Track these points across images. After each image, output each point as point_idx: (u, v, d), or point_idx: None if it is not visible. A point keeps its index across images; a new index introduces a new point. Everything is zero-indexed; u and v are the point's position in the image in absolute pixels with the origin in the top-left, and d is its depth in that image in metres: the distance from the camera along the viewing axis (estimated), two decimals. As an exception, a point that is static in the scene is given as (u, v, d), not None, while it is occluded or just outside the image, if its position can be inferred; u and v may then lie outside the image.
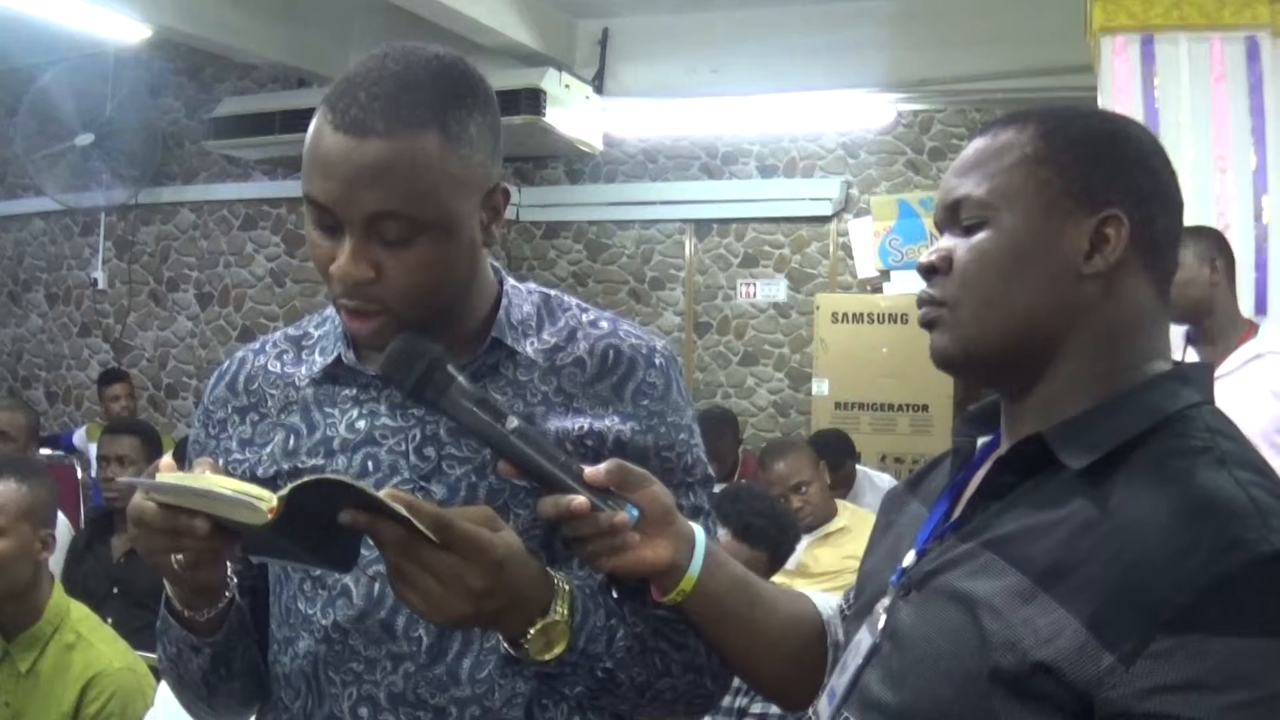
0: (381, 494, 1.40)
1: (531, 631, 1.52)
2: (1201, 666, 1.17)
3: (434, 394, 1.54)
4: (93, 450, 7.13)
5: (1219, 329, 4.52)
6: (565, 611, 1.54)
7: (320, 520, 1.42)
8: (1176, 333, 4.58)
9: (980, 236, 1.43)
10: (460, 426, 1.58)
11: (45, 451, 7.03)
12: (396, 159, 1.51)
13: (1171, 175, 1.46)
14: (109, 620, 3.71)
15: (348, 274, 1.54)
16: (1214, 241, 4.51)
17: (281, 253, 9.47)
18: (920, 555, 1.47)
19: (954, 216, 1.47)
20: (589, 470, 1.54)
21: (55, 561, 4.15)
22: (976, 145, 1.48)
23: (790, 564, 4.45)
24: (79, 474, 6.83)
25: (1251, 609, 1.18)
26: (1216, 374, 4.38)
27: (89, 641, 3.33)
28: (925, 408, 7.74)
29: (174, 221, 9.83)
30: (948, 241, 1.47)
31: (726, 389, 9.14)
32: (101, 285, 10.01)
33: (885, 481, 6.33)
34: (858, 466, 6.45)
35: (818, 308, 8.26)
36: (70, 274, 10.22)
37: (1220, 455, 1.31)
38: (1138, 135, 1.47)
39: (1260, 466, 1.32)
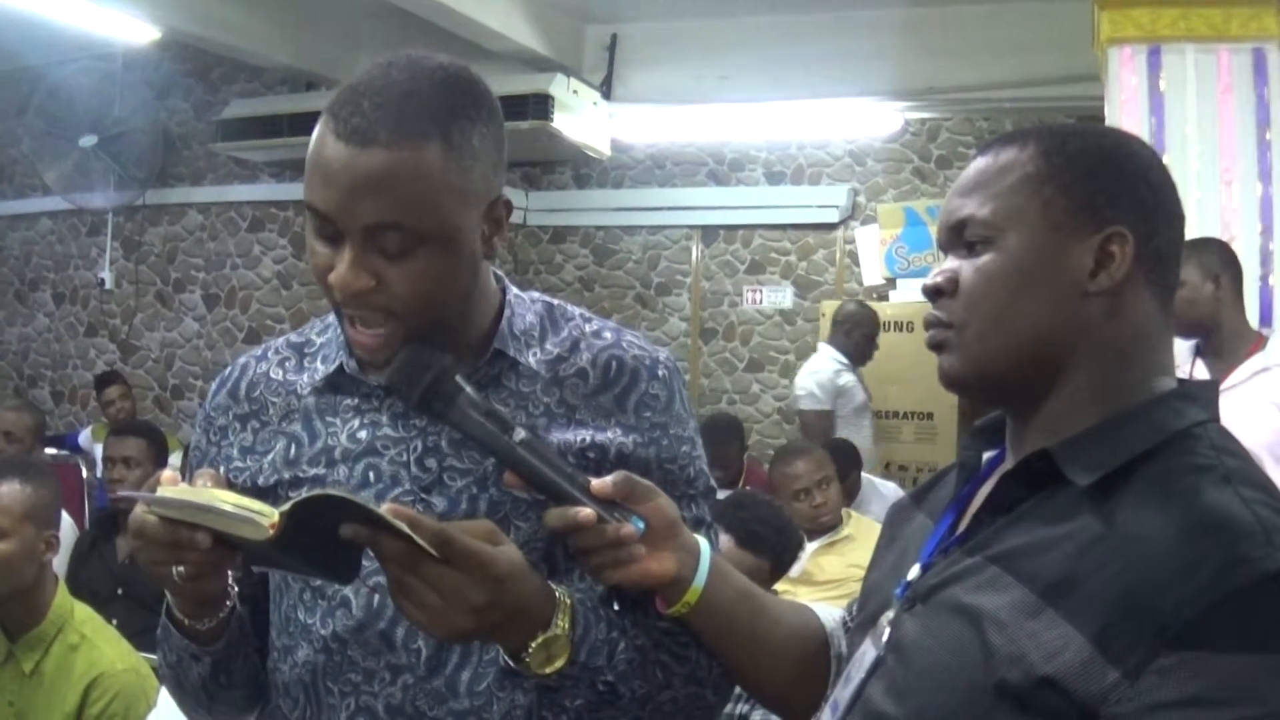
0: (383, 509, 1.40)
1: (532, 645, 1.52)
2: (1205, 683, 1.17)
3: (441, 405, 1.54)
4: (98, 450, 7.14)
5: (1226, 343, 4.48)
6: (566, 625, 1.54)
7: (322, 534, 1.42)
8: (1185, 345, 4.56)
9: (985, 258, 1.43)
10: (466, 438, 1.58)
11: (50, 451, 7.04)
12: (398, 169, 1.50)
13: (1172, 188, 1.46)
14: (113, 621, 3.72)
15: (347, 283, 1.54)
16: (1219, 254, 4.46)
17: (289, 255, 9.48)
18: (925, 568, 1.48)
19: (958, 237, 1.47)
20: (595, 482, 1.54)
21: (60, 562, 4.15)
22: (978, 165, 1.48)
23: (794, 571, 4.45)
24: (84, 474, 6.83)
25: (1256, 626, 1.18)
26: (1222, 387, 4.38)
27: (93, 642, 3.33)
28: (930, 415, 7.74)
29: (181, 223, 9.84)
30: (952, 263, 1.47)
31: (732, 395, 9.15)
32: (108, 285, 10.01)
33: (890, 490, 6.32)
34: (863, 474, 6.45)
35: (823, 315, 8.27)
36: (77, 274, 10.23)
37: (1226, 473, 1.31)
38: (1138, 150, 1.47)
39: (1265, 484, 1.32)
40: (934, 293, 1.47)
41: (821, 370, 7.30)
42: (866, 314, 7.47)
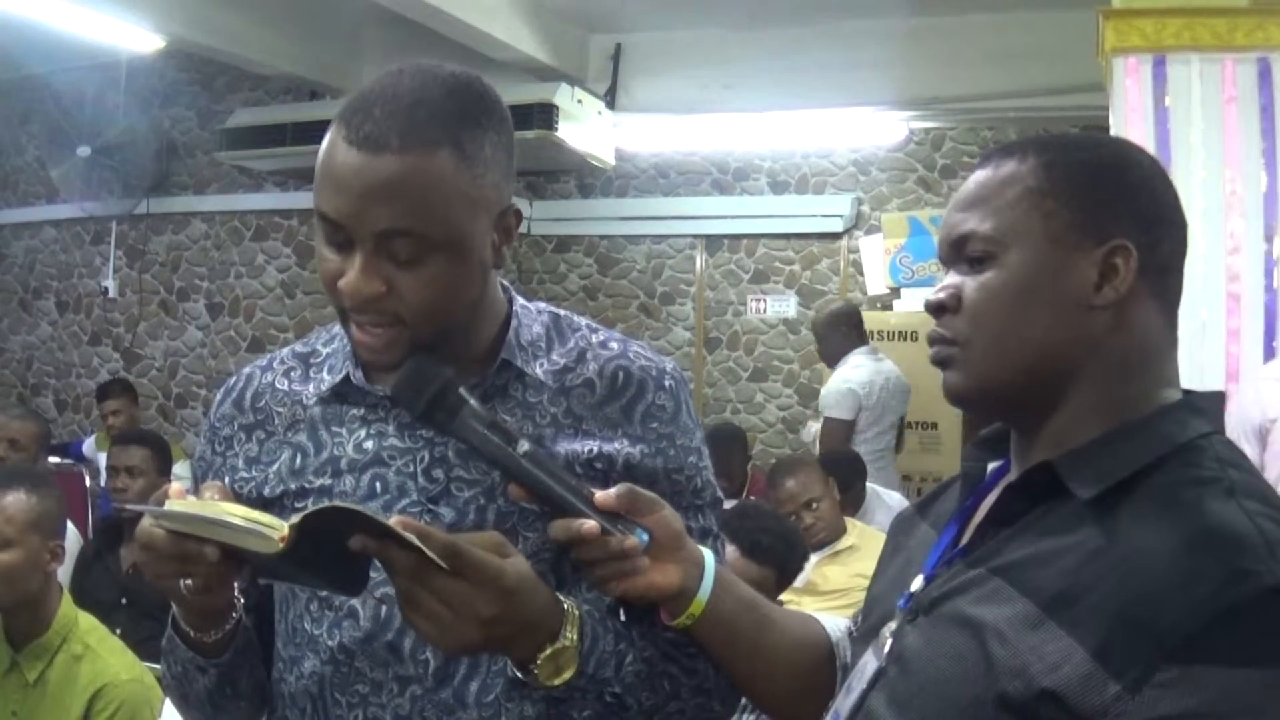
0: (392, 521, 1.40)
1: (541, 657, 1.52)
2: (1206, 696, 1.17)
3: (445, 417, 1.54)
4: (102, 459, 7.13)
5: None
6: (574, 637, 1.54)
7: (330, 546, 1.42)
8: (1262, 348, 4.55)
9: (988, 274, 1.42)
10: (471, 449, 1.58)
11: (54, 460, 7.02)
12: (409, 176, 1.50)
13: (1174, 197, 1.46)
14: (117, 630, 3.72)
15: (357, 289, 1.54)
16: None
17: (293, 264, 9.47)
18: (928, 580, 1.47)
19: (959, 253, 1.46)
20: (599, 494, 1.55)
21: (64, 571, 4.15)
22: (978, 178, 1.47)
23: (799, 582, 4.44)
24: (88, 483, 6.82)
25: (1256, 640, 1.18)
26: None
27: (97, 652, 3.33)
28: (934, 425, 7.73)
29: (185, 231, 9.83)
30: (954, 278, 1.47)
31: (736, 405, 9.14)
32: (112, 294, 10.00)
33: (895, 500, 6.30)
34: (867, 484, 6.44)
35: (827, 324, 8.25)
36: (81, 282, 10.20)
37: (1229, 486, 1.30)
38: (1138, 159, 1.47)
39: (1269, 498, 1.32)
40: (937, 309, 1.47)
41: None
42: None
